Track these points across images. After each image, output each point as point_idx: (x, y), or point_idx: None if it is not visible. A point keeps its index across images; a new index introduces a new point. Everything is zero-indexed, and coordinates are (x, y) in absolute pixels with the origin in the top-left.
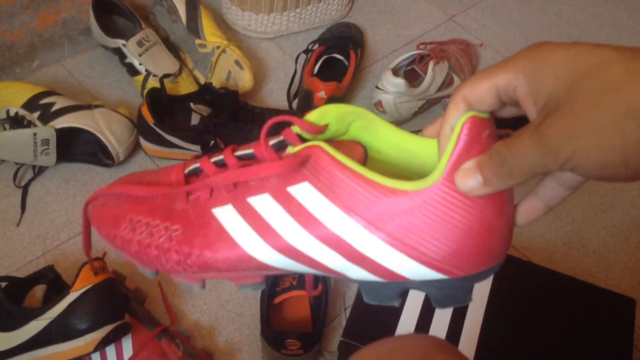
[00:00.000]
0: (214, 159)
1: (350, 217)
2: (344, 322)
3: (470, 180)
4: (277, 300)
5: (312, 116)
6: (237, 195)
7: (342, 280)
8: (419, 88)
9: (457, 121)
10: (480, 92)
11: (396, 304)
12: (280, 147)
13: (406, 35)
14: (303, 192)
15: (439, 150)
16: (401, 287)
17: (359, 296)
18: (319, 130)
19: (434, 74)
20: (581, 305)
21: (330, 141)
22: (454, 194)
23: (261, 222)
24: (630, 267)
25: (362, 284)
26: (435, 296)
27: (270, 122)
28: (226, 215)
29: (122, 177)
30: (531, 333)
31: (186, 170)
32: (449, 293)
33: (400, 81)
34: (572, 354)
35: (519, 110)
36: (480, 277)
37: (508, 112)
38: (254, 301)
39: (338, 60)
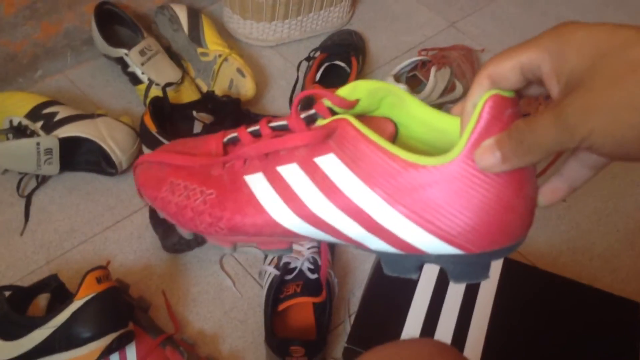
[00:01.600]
0: (250, 129)
1: (371, 189)
2: (348, 329)
3: (489, 157)
4: (281, 307)
5: (343, 91)
6: (268, 164)
7: (346, 286)
8: (421, 94)
9: (479, 99)
10: (504, 70)
11: (414, 276)
12: (312, 120)
13: (408, 42)
14: (328, 163)
15: (461, 127)
16: (419, 260)
17: (363, 303)
18: (349, 104)
19: (436, 80)
20: (586, 310)
21: (362, 117)
22: (473, 171)
23: (288, 190)
24: (636, 271)
25: (382, 255)
26: (451, 271)
27: (302, 94)
28: (256, 182)
29: (166, 145)
30: (536, 337)
31: (225, 139)
32: (464, 269)
33: (402, 87)
34: (578, 359)
35: (544, 89)
36: (497, 255)
37: (534, 91)
38: (258, 308)
39: (340, 67)
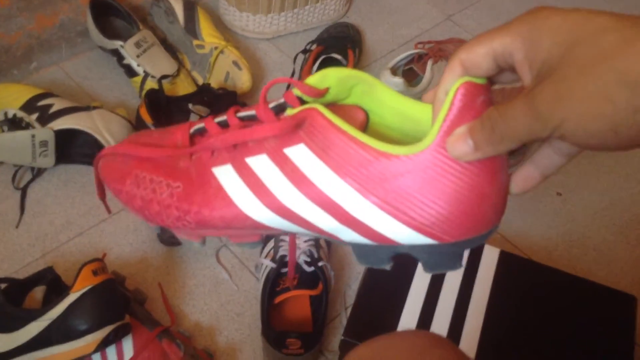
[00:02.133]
0: (217, 119)
1: (342, 179)
2: (344, 321)
3: (462, 145)
4: (278, 299)
5: (313, 79)
6: (237, 155)
7: (342, 279)
8: (418, 87)
9: (451, 86)
10: (476, 57)
11: (387, 267)
12: (281, 109)
13: (404, 35)
14: (298, 153)
15: (433, 115)
16: (392, 251)
17: (359, 295)
18: (319, 93)
19: (432, 73)
20: (582, 303)
21: (332, 105)
22: (445, 160)
23: (257, 182)
24: (631, 265)
25: (354, 246)
26: (425, 261)
27: (270, 83)
28: (225, 174)
29: (130, 136)
30: (532, 331)
31: (191, 130)
32: (438, 258)
33: (398, 80)
34: (573, 352)
35: (517, 76)
36: (470, 243)
37: (506, 78)
38: (254, 301)
39: (336, 60)
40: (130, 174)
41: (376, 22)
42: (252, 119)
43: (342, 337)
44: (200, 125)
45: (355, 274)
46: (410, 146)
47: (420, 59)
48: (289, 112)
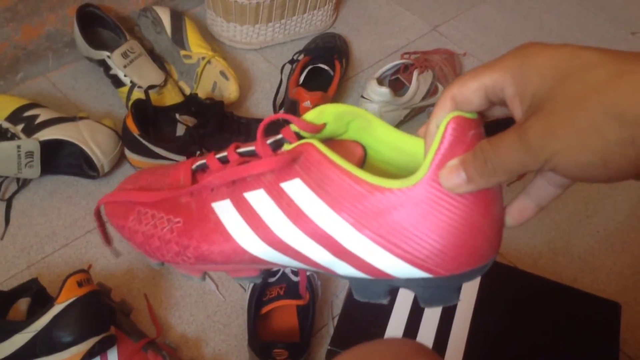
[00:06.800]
0: (218, 155)
1: (337, 213)
2: (331, 331)
3: (454, 177)
4: (264, 310)
5: (310, 115)
6: (235, 190)
7: (329, 289)
8: (404, 97)
9: (443, 120)
10: (468, 92)
11: (384, 301)
12: (279, 145)
13: (391, 45)
14: (294, 188)
15: (425, 149)
16: (389, 285)
17: (346, 305)
18: (316, 129)
19: (418, 83)
20: (567, 311)
21: (330, 141)
22: (437, 193)
23: (255, 216)
24: (615, 272)
25: (351, 280)
26: (421, 295)
27: (267, 119)
28: (224, 209)
29: (129, 176)
30: (518, 339)
31: (193, 166)
32: (434, 292)
33: (385, 90)
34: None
35: (507, 111)
36: (466, 277)
37: (498, 112)
38: (241, 311)
39: (323, 70)
40: (132, 211)
41: (363, 33)
42: (251, 155)
43: (329, 347)
44: (202, 161)
45: (342, 284)
46: (403, 179)
47: (406, 69)
48: (286, 147)
